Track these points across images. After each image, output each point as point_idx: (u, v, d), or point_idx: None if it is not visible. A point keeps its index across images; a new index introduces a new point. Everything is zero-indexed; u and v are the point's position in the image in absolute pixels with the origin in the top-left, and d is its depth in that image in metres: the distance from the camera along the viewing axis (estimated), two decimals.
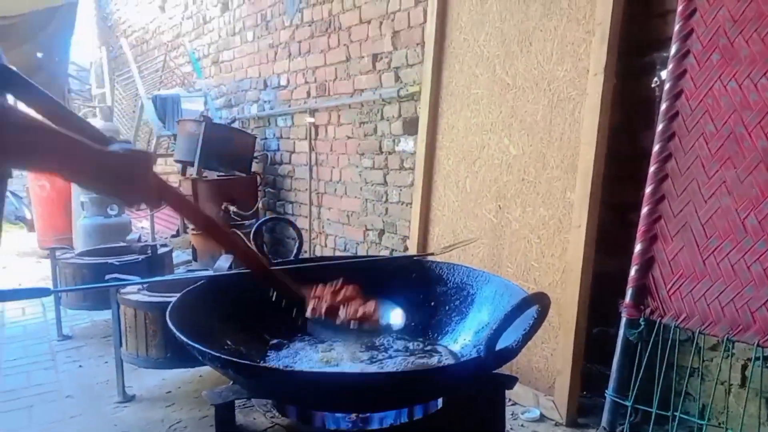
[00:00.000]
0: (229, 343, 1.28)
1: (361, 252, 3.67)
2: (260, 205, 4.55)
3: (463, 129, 2.61)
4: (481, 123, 2.51)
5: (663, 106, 1.77)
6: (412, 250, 2.78)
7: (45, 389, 2.47)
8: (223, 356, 0.93)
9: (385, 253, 3.43)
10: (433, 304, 1.53)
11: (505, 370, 1.27)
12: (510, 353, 0.93)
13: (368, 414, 1.06)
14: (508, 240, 2.34)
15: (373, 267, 1.59)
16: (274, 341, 1.38)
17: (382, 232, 3.46)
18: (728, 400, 1.86)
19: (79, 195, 4.47)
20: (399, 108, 3.25)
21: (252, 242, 1.59)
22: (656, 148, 1.77)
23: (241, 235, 1.10)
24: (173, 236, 6.11)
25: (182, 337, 0.95)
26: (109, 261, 2.94)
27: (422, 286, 1.57)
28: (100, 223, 4.21)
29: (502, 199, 2.38)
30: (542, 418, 2.09)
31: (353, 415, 1.05)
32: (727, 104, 1.63)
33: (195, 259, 4.31)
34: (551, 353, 2.14)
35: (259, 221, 1.58)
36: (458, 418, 1.06)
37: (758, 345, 1.48)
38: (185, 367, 2.17)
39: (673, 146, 1.75)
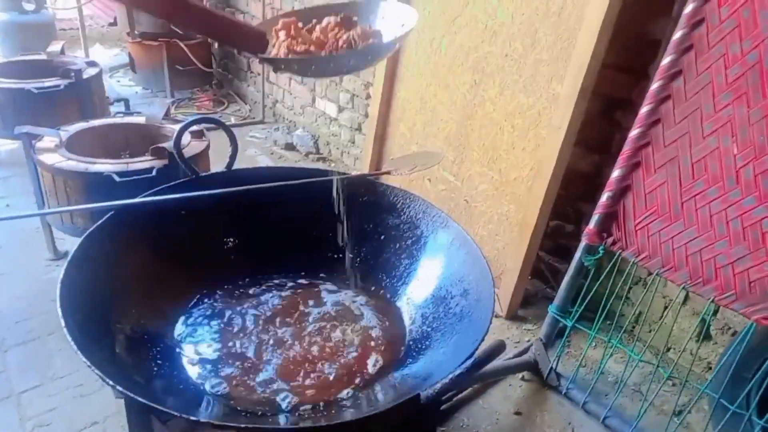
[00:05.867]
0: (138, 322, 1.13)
1: (317, 84, 3.33)
2: None
3: None
4: None
5: (689, 8, 1.44)
6: (372, 115, 2.50)
7: None
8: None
9: (344, 95, 3.12)
10: (383, 237, 1.38)
11: None
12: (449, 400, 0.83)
13: None
14: (479, 122, 2.10)
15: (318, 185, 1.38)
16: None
17: None
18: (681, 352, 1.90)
19: None
20: None
21: (174, 150, 1.33)
22: (667, 60, 1.48)
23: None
24: (111, 24, 5.44)
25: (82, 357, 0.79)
26: (26, 87, 2.56)
27: (373, 212, 1.40)
28: (15, 21, 3.58)
29: (480, 73, 2.07)
30: None
31: None
32: (766, 24, 1.33)
33: (133, 69, 3.86)
34: (503, 247, 2.09)
35: (184, 123, 1.30)
36: None
37: (713, 301, 1.43)
38: None
39: (686, 62, 1.46)
